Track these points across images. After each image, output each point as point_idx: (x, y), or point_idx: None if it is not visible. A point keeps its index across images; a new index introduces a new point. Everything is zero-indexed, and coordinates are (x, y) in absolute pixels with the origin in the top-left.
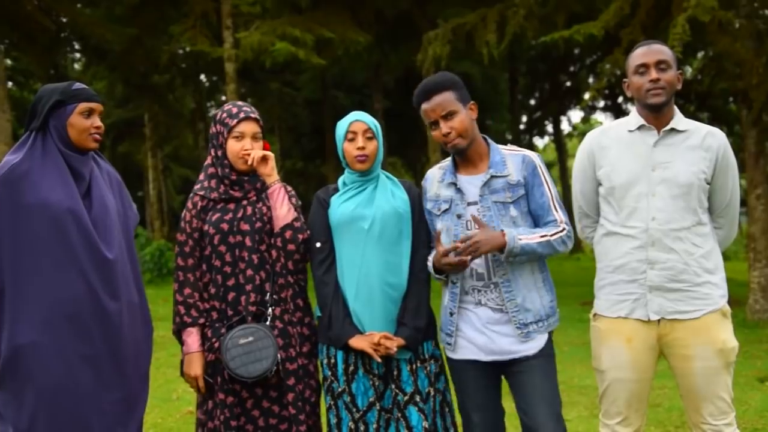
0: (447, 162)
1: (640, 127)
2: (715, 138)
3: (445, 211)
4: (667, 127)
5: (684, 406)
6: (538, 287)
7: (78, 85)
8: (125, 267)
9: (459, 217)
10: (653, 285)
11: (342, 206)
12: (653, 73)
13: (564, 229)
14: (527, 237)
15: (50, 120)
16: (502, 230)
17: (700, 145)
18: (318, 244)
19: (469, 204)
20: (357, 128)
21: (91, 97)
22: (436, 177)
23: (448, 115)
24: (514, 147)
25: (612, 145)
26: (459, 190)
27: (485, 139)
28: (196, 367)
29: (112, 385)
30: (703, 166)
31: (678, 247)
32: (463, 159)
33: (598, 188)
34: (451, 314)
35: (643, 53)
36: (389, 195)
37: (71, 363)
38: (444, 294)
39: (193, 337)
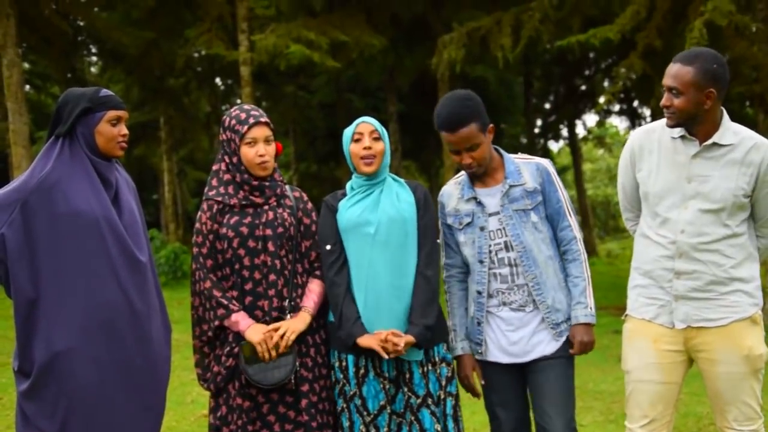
0: (462, 177)
1: (682, 137)
2: (760, 152)
3: (468, 224)
4: (709, 141)
5: (711, 409)
6: (563, 286)
7: (105, 91)
8: (152, 272)
9: (482, 229)
10: (679, 294)
11: (348, 211)
12: (665, 99)
13: (580, 249)
14: (588, 301)
15: (77, 127)
16: (584, 323)
17: (742, 160)
18: (328, 247)
19: (490, 215)
20: (363, 129)
21: (119, 104)
22: (454, 193)
23: (472, 148)
24: (526, 155)
25: (654, 149)
26: (479, 203)
27: (497, 150)
28: (260, 328)
29: (141, 391)
30: (742, 182)
31: (706, 258)
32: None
33: (639, 186)
34: (479, 323)
35: (666, 74)
36: (395, 199)
37: (105, 369)
38: (470, 304)
39: (243, 314)
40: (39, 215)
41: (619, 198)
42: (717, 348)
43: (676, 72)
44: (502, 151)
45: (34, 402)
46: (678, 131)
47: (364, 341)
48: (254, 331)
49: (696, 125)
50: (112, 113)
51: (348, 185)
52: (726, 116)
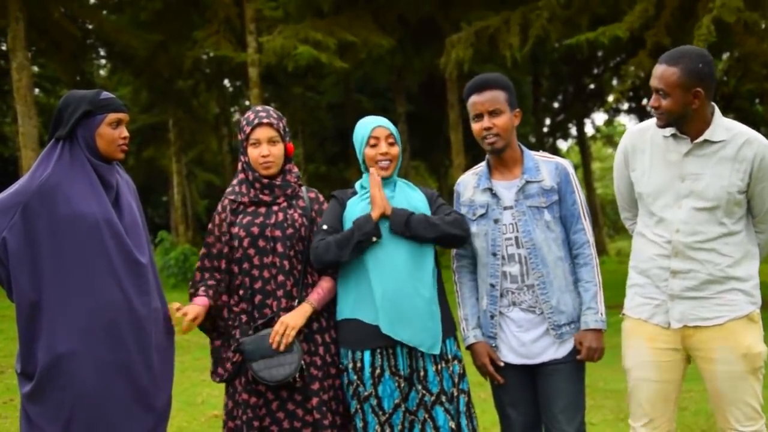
0: (481, 167)
1: (674, 135)
2: (752, 147)
3: (482, 215)
4: (700, 139)
5: (712, 409)
6: (571, 289)
7: (105, 94)
8: (153, 274)
9: (496, 221)
10: (674, 294)
11: (361, 205)
12: (653, 100)
13: (592, 253)
14: (598, 306)
15: (78, 129)
16: (593, 329)
17: (735, 156)
18: (325, 227)
19: (505, 208)
20: (380, 134)
21: (119, 107)
22: (470, 183)
23: (495, 112)
24: (547, 154)
25: (646, 148)
26: (495, 195)
27: (519, 145)
28: (195, 308)
29: (143, 393)
30: (736, 179)
31: (702, 257)
32: (498, 163)
33: (634, 186)
34: (492, 317)
35: (653, 75)
36: (409, 197)
37: (108, 371)
38: (482, 297)
39: (199, 298)
40: (40, 218)
41: (617, 198)
42: (714, 347)
43: (661, 73)
44: (523, 147)
45: (38, 404)
46: (669, 130)
47: (375, 214)
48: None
49: (686, 124)
50: (112, 116)
51: (358, 184)
52: (717, 112)
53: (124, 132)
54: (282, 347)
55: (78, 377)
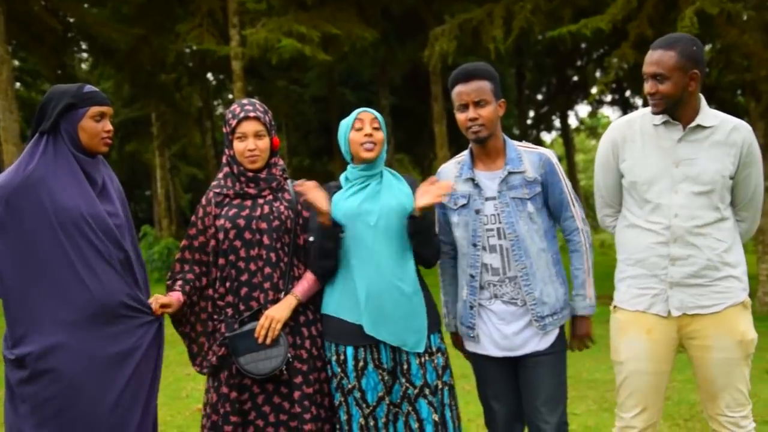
0: (463, 156)
1: (665, 122)
2: (740, 133)
3: (463, 206)
4: (693, 124)
5: (701, 397)
6: (553, 280)
7: (89, 87)
8: (138, 267)
9: (477, 212)
10: (674, 281)
11: (347, 201)
12: (649, 86)
13: (581, 240)
14: (586, 292)
15: (61, 123)
16: (582, 316)
17: (725, 140)
18: (311, 239)
19: (487, 199)
20: (365, 117)
21: (103, 100)
22: (452, 172)
23: (480, 103)
24: (529, 144)
25: (636, 138)
26: (477, 186)
27: (502, 136)
28: (169, 297)
29: (129, 384)
30: (728, 162)
31: (700, 243)
32: (481, 153)
33: (621, 180)
34: (471, 307)
35: (647, 62)
36: (395, 190)
37: (93, 363)
38: (461, 287)
39: (175, 293)
40: (24, 212)
41: (597, 196)
42: (711, 334)
43: (659, 58)
44: (506, 137)
45: (24, 397)
46: (660, 118)
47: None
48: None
49: (679, 109)
50: (95, 109)
51: (342, 177)
52: (703, 100)
53: (108, 125)
54: (268, 341)
55: (63, 370)
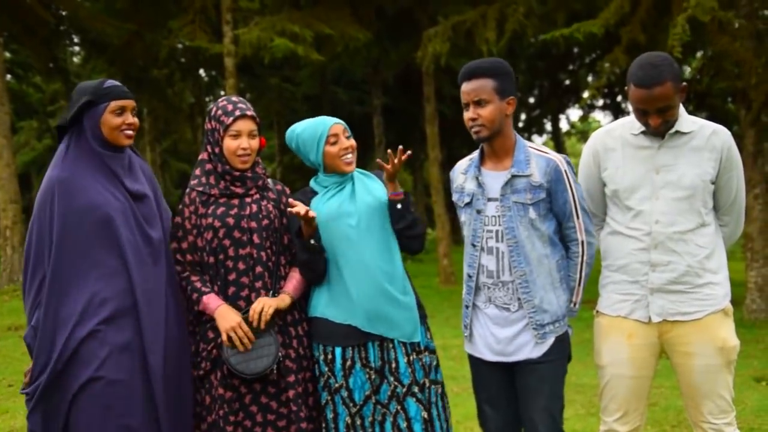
0: (475, 154)
1: (643, 132)
2: (719, 137)
3: (467, 204)
4: (672, 131)
5: (684, 404)
6: (556, 287)
7: (110, 82)
8: (167, 257)
9: (479, 212)
10: (654, 287)
11: (326, 205)
12: (654, 118)
13: (578, 251)
14: (576, 297)
15: (84, 120)
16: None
17: (705, 145)
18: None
19: (489, 200)
20: (337, 130)
21: (122, 94)
22: (461, 168)
23: (479, 102)
24: (543, 147)
25: (617, 146)
26: (481, 185)
27: (514, 135)
28: (233, 315)
29: (164, 376)
30: (708, 167)
31: (681, 249)
32: (489, 152)
33: (604, 188)
34: (467, 307)
35: (648, 97)
36: (369, 188)
37: (123, 355)
38: (463, 285)
39: (213, 296)
40: (58, 211)
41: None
42: (692, 341)
43: (660, 92)
44: (518, 137)
45: (52, 387)
46: (639, 127)
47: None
48: (223, 317)
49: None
50: (114, 104)
51: (313, 183)
52: (682, 106)
53: (130, 118)
54: (263, 325)
55: (93, 362)
